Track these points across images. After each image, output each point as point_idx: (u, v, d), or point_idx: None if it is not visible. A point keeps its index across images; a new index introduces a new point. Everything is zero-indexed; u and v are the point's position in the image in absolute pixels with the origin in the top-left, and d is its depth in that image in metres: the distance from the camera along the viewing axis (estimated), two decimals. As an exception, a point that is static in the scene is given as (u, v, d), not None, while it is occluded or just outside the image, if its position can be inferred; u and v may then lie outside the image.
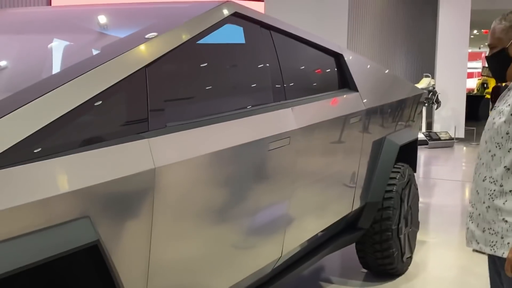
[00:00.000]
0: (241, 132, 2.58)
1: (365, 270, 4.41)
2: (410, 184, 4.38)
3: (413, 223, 4.49)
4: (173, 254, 2.20)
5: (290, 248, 3.08)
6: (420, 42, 15.95)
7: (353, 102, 3.77)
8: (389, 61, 14.87)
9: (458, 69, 12.93)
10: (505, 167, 2.19)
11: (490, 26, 2.36)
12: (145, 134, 2.06)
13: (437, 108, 12.57)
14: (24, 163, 1.63)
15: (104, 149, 1.87)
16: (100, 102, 1.93)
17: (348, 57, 3.93)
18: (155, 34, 2.30)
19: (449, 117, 12.97)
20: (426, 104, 11.89)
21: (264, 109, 2.84)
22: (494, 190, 2.22)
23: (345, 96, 3.76)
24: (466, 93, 13.51)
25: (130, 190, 1.92)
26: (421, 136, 11.50)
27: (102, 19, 2.93)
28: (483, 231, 2.26)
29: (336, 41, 4.28)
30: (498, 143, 2.22)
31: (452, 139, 12.22)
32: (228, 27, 2.76)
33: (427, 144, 11.71)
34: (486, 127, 2.33)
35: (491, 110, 2.34)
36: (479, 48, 28.08)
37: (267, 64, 3.01)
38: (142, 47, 2.19)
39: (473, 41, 22.02)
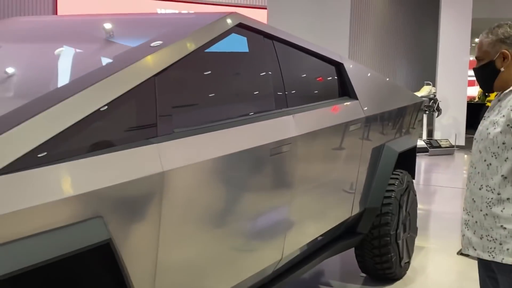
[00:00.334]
0: (245, 138, 2.67)
1: (364, 274, 4.46)
2: (409, 190, 4.42)
3: (411, 229, 4.52)
4: (179, 254, 2.28)
5: (290, 251, 3.14)
6: (422, 50, 15.98)
7: (353, 109, 3.83)
8: (390, 69, 14.93)
9: (459, 77, 12.91)
10: (502, 175, 2.24)
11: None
12: (154, 140, 2.16)
13: (438, 116, 12.58)
14: (43, 165, 1.73)
15: (116, 154, 1.97)
16: (113, 109, 2.03)
17: (349, 66, 3.99)
18: (163, 44, 2.39)
19: (450, 125, 12.97)
20: (427, 112, 11.91)
21: (266, 116, 2.92)
22: (492, 198, 2.27)
23: (345, 104, 3.82)
24: (467, 101, 13.49)
25: (139, 192, 2.02)
26: (421, 143, 11.47)
27: (115, 29, 3.03)
28: (481, 238, 2.31)
29: (338, 48, 4.37)
30: (494, 153, 2.26)
31: (453, 146, 12.18)
32: (232, 37, 2.85)
33: (427, 151, 11.67)
34: (478, 136, 2.37)
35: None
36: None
37: (270, 73, 3.09)
38: (151, 57, 2.28)
39: (474, 50, 21.94)
